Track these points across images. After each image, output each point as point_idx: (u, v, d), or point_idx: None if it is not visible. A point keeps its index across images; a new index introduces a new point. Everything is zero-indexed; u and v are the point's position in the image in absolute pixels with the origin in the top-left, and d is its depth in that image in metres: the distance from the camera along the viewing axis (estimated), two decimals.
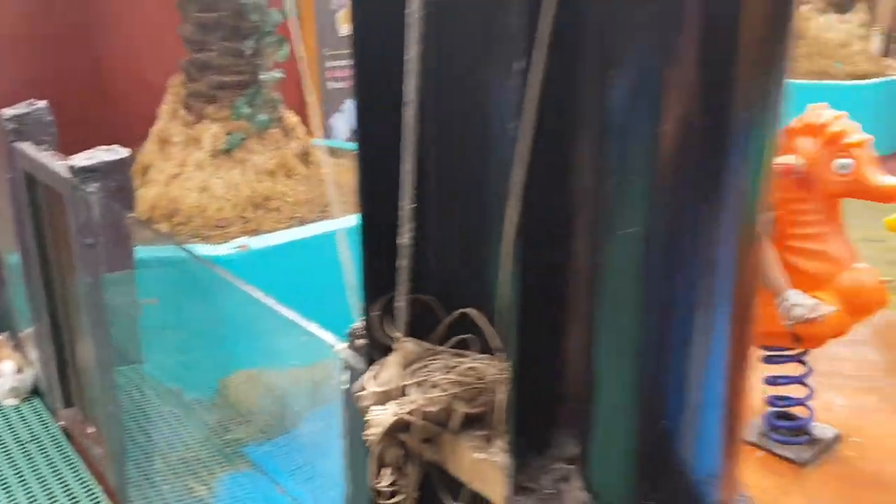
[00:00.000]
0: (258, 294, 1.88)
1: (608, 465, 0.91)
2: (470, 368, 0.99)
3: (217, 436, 3.28)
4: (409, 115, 0.94)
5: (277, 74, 3.90)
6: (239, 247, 3.46)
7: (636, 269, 0.84)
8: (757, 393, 3.25)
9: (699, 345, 0.84)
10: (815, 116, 2.85)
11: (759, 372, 3.20)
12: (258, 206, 3.70)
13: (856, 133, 2.78)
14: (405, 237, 0.98)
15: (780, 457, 3.15)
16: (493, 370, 0.98)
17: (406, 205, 0.95)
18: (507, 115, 0.85)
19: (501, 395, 0.95)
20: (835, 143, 2.77)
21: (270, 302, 1.85)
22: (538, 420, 0.94)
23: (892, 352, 4.08)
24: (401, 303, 1.03)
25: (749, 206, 0.83)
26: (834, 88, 7.24)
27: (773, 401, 3.23)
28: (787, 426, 3.24)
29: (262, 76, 3.94)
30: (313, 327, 1.57)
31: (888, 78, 7.59)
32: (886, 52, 8.75)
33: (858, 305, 2.81)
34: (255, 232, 3.61)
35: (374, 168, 1.06)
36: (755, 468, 3.12)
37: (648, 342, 0.84)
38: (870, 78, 7.40)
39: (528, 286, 0.88)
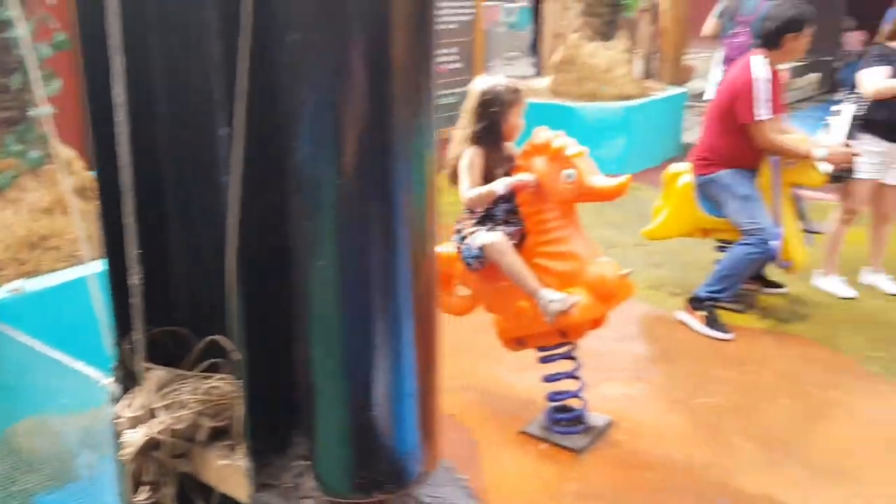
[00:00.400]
0: (26, 338, 1.87)
1: (330, 455, 1.06)
2: (213, 388, 1.10)
3: (2, 488, 3.11)
4: (126, 177, 1.05)
5: (48, 109, 3.77)
6: (13, 290, 3.30)
7: (334, 292, 1.00)
8: (538, 391, 3.55)
9: (392, 348, 1.01)
10: (539, 138, 3.22)
11: (538, 372, 3.50)
12: (34, 245, 3.55)
13: (574, 147, 3.17)
14: (134, 279, 1.08)
15: (560, 446, 3.46)
16: (233, 387, 1.10)
17: (131, 251, 1.04)
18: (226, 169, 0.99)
19: (239, 409, 1.07)
20: (559, 158, 3.14)
21: (40, 346, 1.84)
22: (278, 425, 1.07)
23: (656, 343, 4.56)
24: (138, 336, 1.13)
25: (417, 233, 1.01)
26: (603, 109, 7.96)
27: (552, 396, 3.54)
28: (566, 418, 3.56)
29: (32, 112, 3.79)
30: (81, 366, 1.60)
31: (649, 98, 8.44)
32: (647, 75, 9.71)
33: (605, 294, 3.18)
34: (32, 273, 3.46)
35: (115, 214, 1.15)
36: (538, 459, 3.40)
37: (351, 350, 1.00)
38: (633, 98, 8.19)
39: (254, 310, 1.01)
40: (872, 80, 4.65)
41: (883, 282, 5.12)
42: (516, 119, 3.31)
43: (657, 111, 8.48)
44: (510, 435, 3.56)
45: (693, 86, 10.55)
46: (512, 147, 3.39)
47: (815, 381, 4.04)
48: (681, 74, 10.28)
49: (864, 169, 4.72)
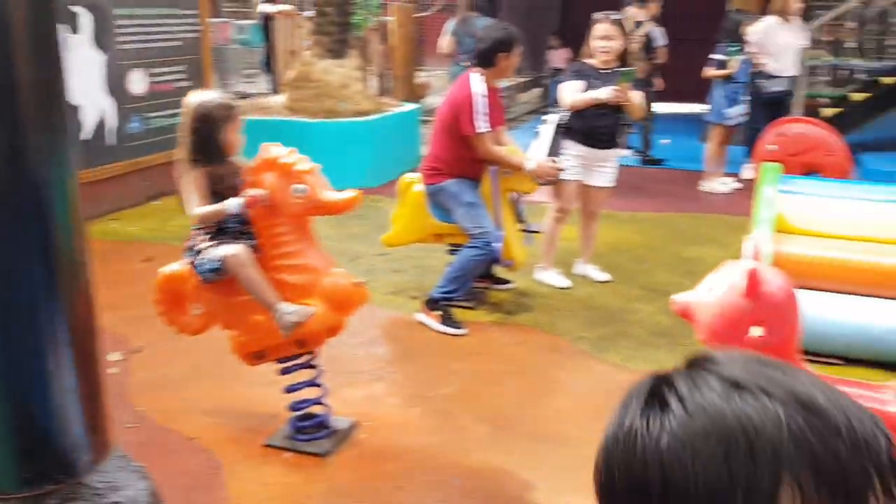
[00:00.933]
0: None
1: None
2: None
3: None
4: None
5: None
6: None
7: None
8: (282, 404, 3.58)
9: (46, 351, 1.06)
10: (268, 153, 3.27)
11: (281, 385, 3.53)
12: None
13: (305, 163, 3.27)
14: None
15: (306, 453, 3.52)
16: None
17: None
18: None
19: None
20: (289, 173, 3.22)
21: None
22: None
23: (397, 344, 4.78)
24: None
25: (65, 249, 1.07)
26: (340, 125, 8.15)
27: (295, 406, 3.59)
28: (309, 425, 3.62)
29: None
30: None
31: (385, 114, 8.77)
32: (382, 92, 10.09)
33: (340, 303, 3.30)
34: None
35: None
36: (283, 468, 3.43)
37: (8, 361, 1.03)
38: (370, 114, 8.47)
39: None
40: (568, 94, 5.22)
41: (591, 271, 5.75)
42: (232, 136, 3.31)
43: (393, 126, 8.81)
44: (254, 450, 3.56)
45: (430, 101, 11.10)
46: (238, 160, 3.39)
47: (536, 363, 4.46)
48: (416, 91, 10.78)
49: (569, 172, 5.28)
